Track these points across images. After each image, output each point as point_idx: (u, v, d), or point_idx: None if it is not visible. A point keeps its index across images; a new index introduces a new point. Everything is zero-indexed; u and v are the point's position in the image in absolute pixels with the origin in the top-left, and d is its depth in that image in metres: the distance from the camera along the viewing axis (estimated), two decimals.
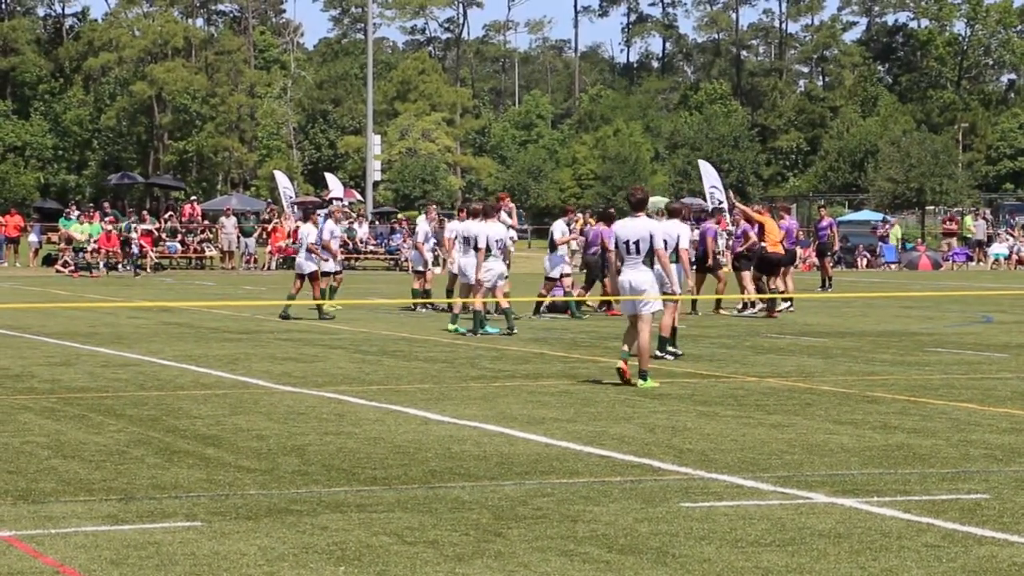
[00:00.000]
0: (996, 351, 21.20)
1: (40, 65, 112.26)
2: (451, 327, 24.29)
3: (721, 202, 60.66)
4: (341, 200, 63.02)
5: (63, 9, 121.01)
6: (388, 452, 11.80)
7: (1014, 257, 61.39)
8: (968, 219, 68.93)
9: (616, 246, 16.97)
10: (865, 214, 76.36)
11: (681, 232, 19.54)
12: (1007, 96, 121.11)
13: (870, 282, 45.43)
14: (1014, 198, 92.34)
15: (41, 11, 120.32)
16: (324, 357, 20.19)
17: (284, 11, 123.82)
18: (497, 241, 24.38)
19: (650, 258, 16.52)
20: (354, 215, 59.27)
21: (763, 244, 29.99)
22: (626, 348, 16.48)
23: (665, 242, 17.24)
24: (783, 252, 30.14)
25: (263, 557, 8.15)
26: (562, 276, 28.85)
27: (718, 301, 30.05)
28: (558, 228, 29.60)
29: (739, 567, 7.95)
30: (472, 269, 24.28)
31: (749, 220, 30.86)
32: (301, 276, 28.51)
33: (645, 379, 16.13)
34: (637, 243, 16.43)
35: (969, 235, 66.28)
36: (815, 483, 10.45)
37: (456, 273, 26.16)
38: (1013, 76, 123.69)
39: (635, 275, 16.40)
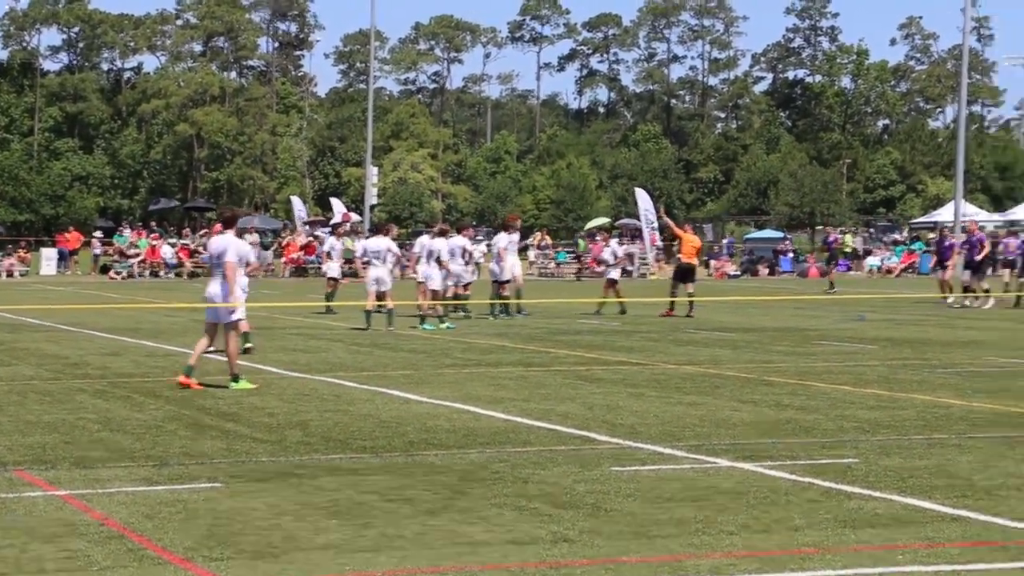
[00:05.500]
0: (867, 343, 21.27)
1: (102, 110, 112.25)
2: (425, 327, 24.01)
3: (653, 222, 60.67)
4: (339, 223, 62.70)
5: (122, 64, 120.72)
6: (375, 426, 11.76)
7: (884, 267, 61.57)
8: (848, 237, 68.83)
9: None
10: (768, 232, 76.47)
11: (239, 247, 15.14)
12: (882, 137, 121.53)
13: (772, 287, 45.52)
14: (886, 219, 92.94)
15: (104, 66, 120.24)
16: (326, 349, 20.14)
17: (301, 65, 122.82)
18: (451, 251, 24.90)
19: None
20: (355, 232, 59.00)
21: (679, 256, 29.62)
22: (192, 362, 14.63)
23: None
24: (696, 263, 29.17)
25: (271, 512, 8.11)
26: (467, 285, 26.32)
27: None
28: (505, 239, 27.13)
29: (658, 519, 7.95)
30: (435, 277, 24.58)
31: (675, 235, 30.94)
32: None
33: (237, 381, 14.53)
34: (219, 256, 14.81)
35: (848, 250, 65.61)
36: (720, 450, 10.46)
37: (421, 280, 24.84)
38: (887, 122, 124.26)
39: (213, 287, 14.78)
